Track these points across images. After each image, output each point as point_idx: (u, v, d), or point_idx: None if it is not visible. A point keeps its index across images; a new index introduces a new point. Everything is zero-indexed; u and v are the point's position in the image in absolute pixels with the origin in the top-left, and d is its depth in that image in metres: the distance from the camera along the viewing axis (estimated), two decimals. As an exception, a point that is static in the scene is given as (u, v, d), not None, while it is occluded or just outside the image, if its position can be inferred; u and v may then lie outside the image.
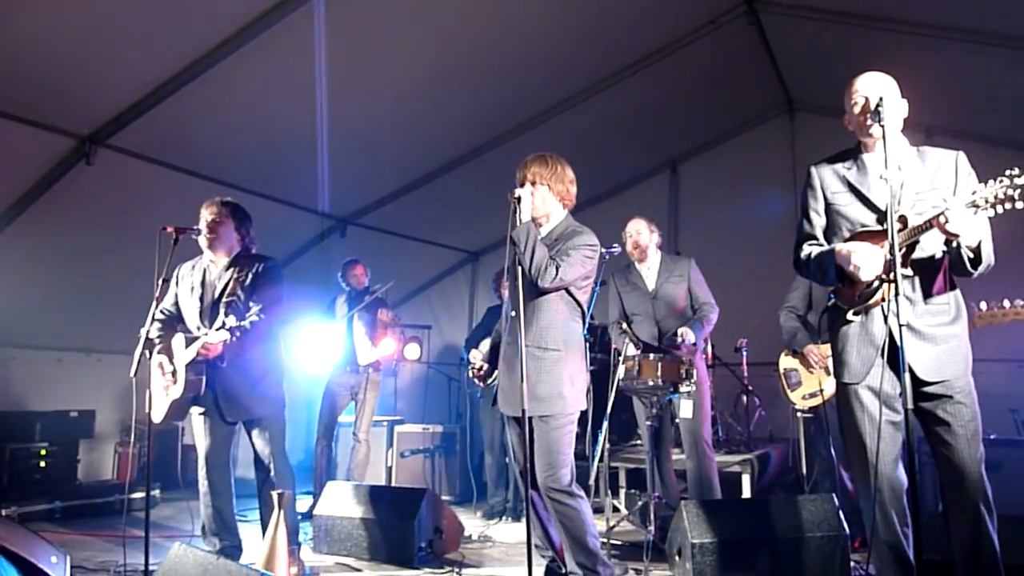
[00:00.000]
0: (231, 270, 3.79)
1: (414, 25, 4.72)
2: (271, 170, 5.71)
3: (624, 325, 4.56)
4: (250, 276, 3.76)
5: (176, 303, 3.89)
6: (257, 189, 5.75)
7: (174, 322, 3.85)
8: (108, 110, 4.64)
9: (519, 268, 3.08)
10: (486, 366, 4.78)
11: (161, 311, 3.87)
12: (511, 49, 5.22)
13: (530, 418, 3.09)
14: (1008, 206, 2.29)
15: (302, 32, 4.41)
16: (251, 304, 3.60)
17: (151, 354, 3.60)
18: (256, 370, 3.76)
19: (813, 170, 2.89)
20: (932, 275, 2.64)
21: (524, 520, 5.23)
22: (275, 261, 3.92)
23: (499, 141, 6.27)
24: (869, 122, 2.66)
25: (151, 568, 3.11)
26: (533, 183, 3.25)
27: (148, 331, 3.44)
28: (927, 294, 2.65)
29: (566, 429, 3.18)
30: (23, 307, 5.45)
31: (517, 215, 3.15)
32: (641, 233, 4.63)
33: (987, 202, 2.32)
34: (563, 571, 3.31)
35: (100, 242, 5.35)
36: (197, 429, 3.80)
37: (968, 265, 2.52)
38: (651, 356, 4.14)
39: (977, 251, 2.49)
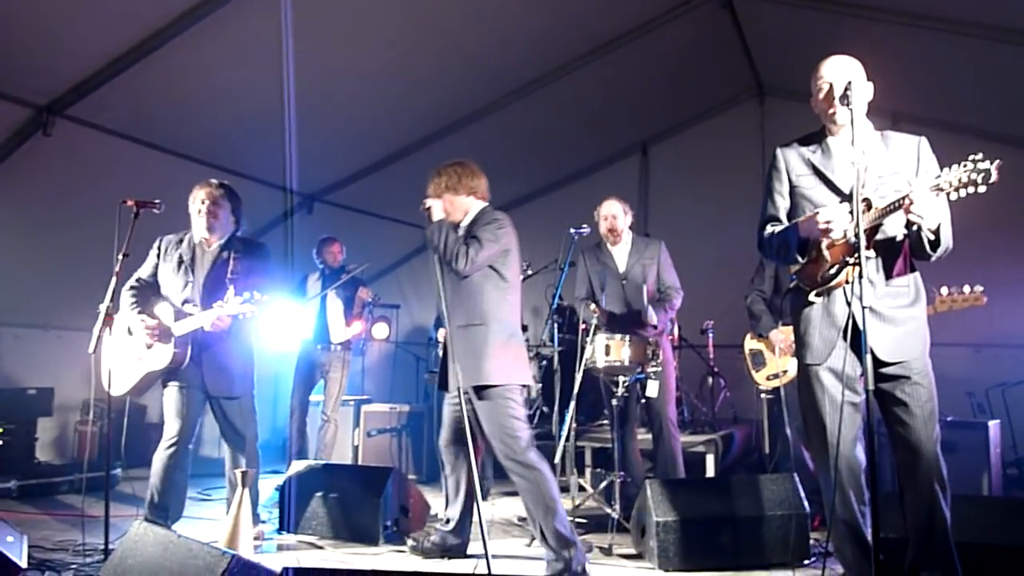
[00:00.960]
0: (227, 252, 3.87)
1: (384, 2, 4.65)
2: (236, 144, 5.61)
3: (592, 304, 4.56)
4: (250, 262, 3.89)
5: (154, 274, 3.91)
6: (221, 164, 5.64)
7: (148, 292, 3.87)
8: (67, 80, 4.51)
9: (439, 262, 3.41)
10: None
11: (137, 280, 3.92)
12: (482, 27, 5.17)
13: (474, 395, 3.33)
14: (971, 190, 2.32)
15: (269, 3, 4.32)
16: (254, 285, 3.68)
17: (111, 330, 3.52)
18: (242, 348, 3.91)
19: (779, 152, 2.91)
20: (893, 257, 2.69)
21: (491, 498, 5.27)
22: (268, 248, 4.09)
23: (470, 120, 6.23)
24: (833, 109, 2.69)
25: (111, 546, 3.07)
26: (437, 196, 3.55)
27: (107, 307, 3.37)
28: (888, 276, 2.69)
29: (507, 400, 3.33)
30: (-22, 282, 5.31)
31: (430, 216, 3.48)
32: (617, 217, 4.61)
33: (951, 185, 2.36)
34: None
35: (58, 215, 5.22)
36: (171, 403, 3.79)
37: (928, 248, 2.57)
38: (618, 336, 4.16)
39: (937, 234, 2.53)
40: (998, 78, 5.54)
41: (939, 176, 2.40)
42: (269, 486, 5.02)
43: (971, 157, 2.33)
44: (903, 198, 2.45)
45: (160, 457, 3.75)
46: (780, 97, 7.27)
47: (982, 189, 2.31)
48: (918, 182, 2.51)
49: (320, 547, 3.96)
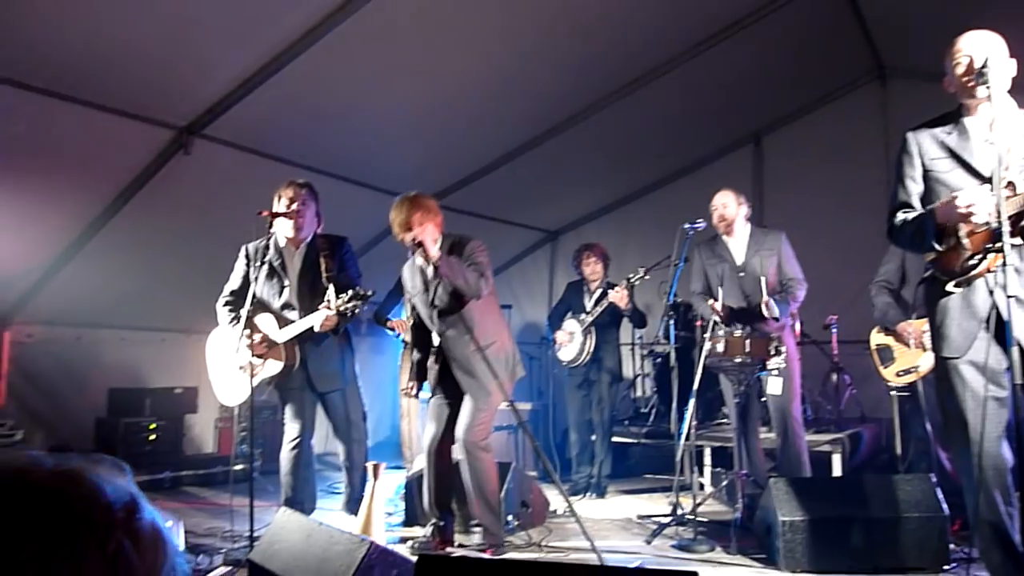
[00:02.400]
0: (314, 250, 3.95)
1: (494, 5, 4.75)
2: (355, 155, 5.85)
3: (708, 298, 4.47)
4: (339, 256, 3.97)
5: (245, 284, 3.96)
6: (343, 174, 5.91)
7: (239, 303, 3.88)
8: (203, 102, 4.83)
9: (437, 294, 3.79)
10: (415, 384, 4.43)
11: (230, 294, 4.07)
12: (591, 24, 5.18)
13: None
14: None
15: (383, 18, 4.49)
16: (350, 280, 3.83)
17: (252, 333, 3.77)
18: (340, 341, 4.00)
19: (910, 135, 2.78)
20: None
21: (607, 496, 5.29)
22: (348, 239, 4.15)
23: (578, 118, 6.24)
24: (972, 83, 2.53)
25: (255, 533, 3.29)
26: (420, 224, 3.64)
27: (248, 311, 3.61)
28: None
29: (490, 402, 3.86)
30: (131, 291, 5.78)
31: (425, 256, 3.63)
32: (727, 206, 4.50)
33: None
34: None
35: (199, 227, 5.61)
36: (289, 408, 4.00)
37: None
38: (738, 332, 4.07)
39: None
40: None
41: None
42: (392, 481, 5.22)
43: None
44: None
45: (287, 456, 3.97)
46: (904, 77, 6.89)
47: None
48: None
49: (446, 540, 4.09)
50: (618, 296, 5.13)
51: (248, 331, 3.70)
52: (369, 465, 3.38)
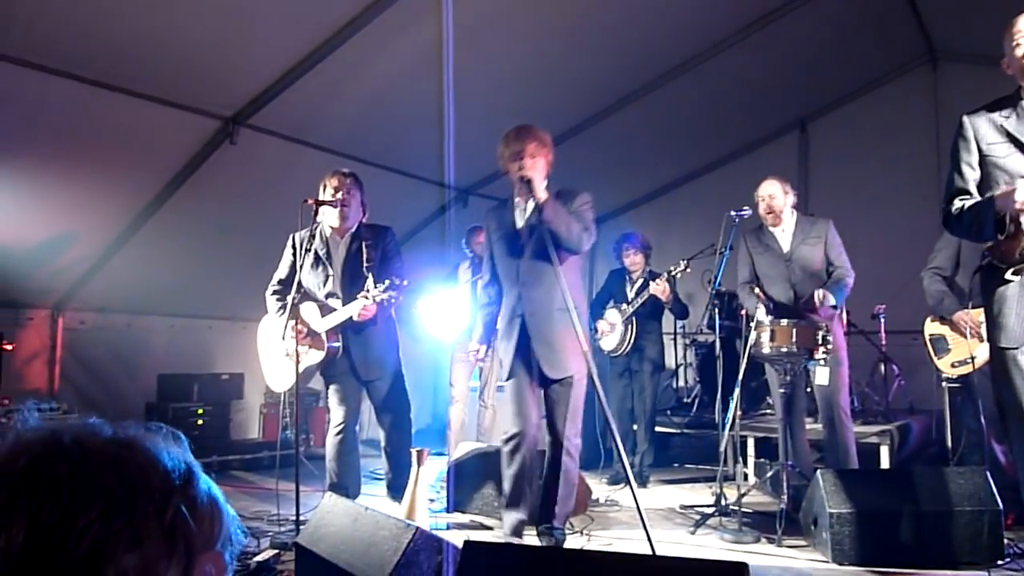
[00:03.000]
0: (358, 240, 3.97)
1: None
2: (397, 143, 5.88)
3: (755, 288, 4.41)
4: (382, 247, 3.99)
5: (292, 273, 3.93)
6: (383, 163, 5.95)
7: (287, 291, 3.92)
8: (248, 92, 4.89)
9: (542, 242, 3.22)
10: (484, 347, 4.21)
11: (278, 282, 4.11)
12: (634, 9, 5.12)
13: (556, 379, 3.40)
14: None
15: (424, 5, 4.49)
16: (390, 270, 3.82)
17: (298, 320, 3.81)
18: (385, 329, 4.03)
19: (966, 119, 2.69)
20: None
21: (649, 486, 5.26)
22: (391, 229, 4.15)
23: (620, 105, 6.19)
24: None
25: (302, 517, 3.35)
26: (533, 156, 3.30)
27: (294, 298, 3.66)
28: None
29: (580, 387, 3.46)
30: (179, 279, 5.90)
31: (534, 191, 3.25)
32: (775, 197, 4.39)
33: None
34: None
35: (244, 216, 5.70)
36: (333, 393, 4.05)
37: None
38: (784, 322, 4.00)
39: None
40: None
41: None
42: (436, 467, 5.27)
43: None
44: None
45: (331, 443, 4.02)
46: (956, 61, 6.70)
47: None
48: None
49: (489, 527, 4.12)
50: (659, 289, 5.10)
51: (294, 320, 3.75)
52: (414, 451, 3.41)
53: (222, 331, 6.55)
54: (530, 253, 3.35)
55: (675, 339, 7.07)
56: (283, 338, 3.75)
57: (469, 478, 4.40)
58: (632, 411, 5.52)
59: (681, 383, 7.22)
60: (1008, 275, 2.55)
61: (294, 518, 3.49)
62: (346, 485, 3.95)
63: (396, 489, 3.93)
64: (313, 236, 3.99)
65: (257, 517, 4.17)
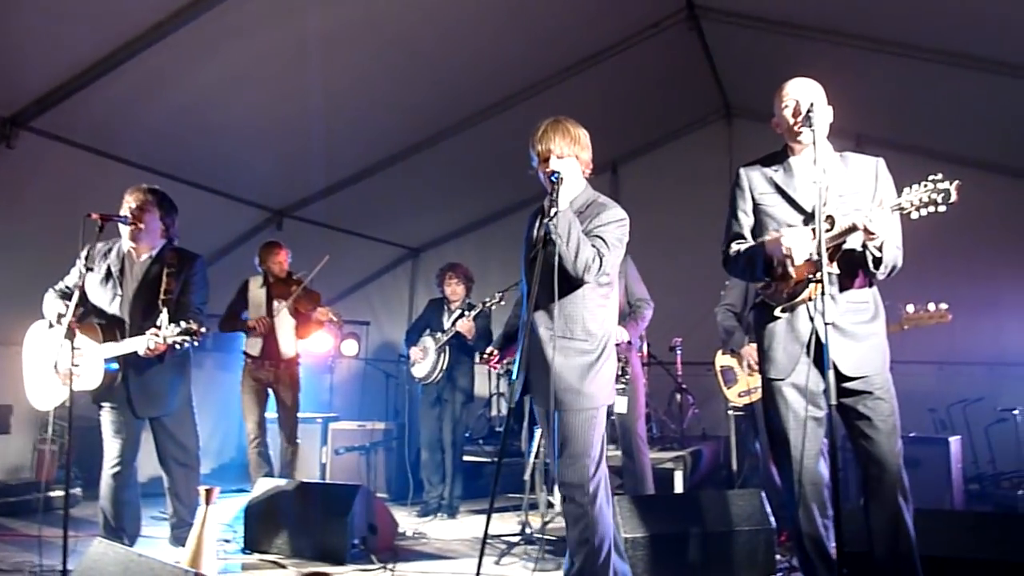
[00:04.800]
0: (159, 265, 3.69)
1: (357, 17, 4.67)
2: (206, 160, 5.54)
3: None
4: (186, 276, 3.72)
5: (80, 284, 3.57)
6: (190, 178, 5.57)
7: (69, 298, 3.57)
8: (31, 92, 4.43)
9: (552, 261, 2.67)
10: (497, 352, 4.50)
11: (65, 287, 3.74)
12: (452, 45, 5.21)
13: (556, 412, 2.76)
14: (931, 209, 2.40)
15: (237, 18, 4.30)
16: (189, 305, 3.59)
17: (73, 341, 3.44)
18: (171, 364, 3.70)
19: (742, 171, 2.97)
20: (854, 273, 2.74)
21: (458, 516, 5.24)
22: (202, 259, 3.88)
23: (439, 137, 6.24)
24: (799, 128, 2.74)
25: (69, 568, 2.99)
26: (560, 157, 2.85)
27: (70, 320, 3.30)
28: (849, 289, 2.73)
29: (595, 421, 2.81)
30: (-64, 296, 5.18)
31: (556, 196, 2.74)
32: None
33: (912, 205, 2.43)
34: None
35: (21, 229, 5.10)
36: (107, 424, 3.70)
37: (871, 266, 2.64)
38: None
39: (881, 251, 2.59)
40: (957, 102, 5.73)
41: (903, 195, 2.47)
42: (235, 505, 4.94)
43: (931, 177, 2.41)
44: (861, 218, 2.51)
45: (106, 480, 3.67)
46: (747, 118, 7.40)
47: (942, 209, 2.39)
48: (874, 204, 2.58)
49: (284, 566, 3.90)
50: (465, 327, 5.17)
51: (70, 337, 3.37)
52: (201, 489, 3.16)
53: (-12, 357, 5.80)
54: (541, 268, 2.73)
55: (489, 369, 7.16)
56: (56, 354, 3.35)
57: (268, 517, 4.17)
58: (441, 441, 5.50)
59: (494, 412, 7.30)
60: (777, 312, 2.81)
61: (60, 569, 3.12)
62: (122, 528, 3.61)
63: (181, 534, 3.63)
64: (110, 251, 3.70)
65: (17, 569, 3.69)
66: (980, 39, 4.88)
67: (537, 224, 2.94)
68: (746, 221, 2.93)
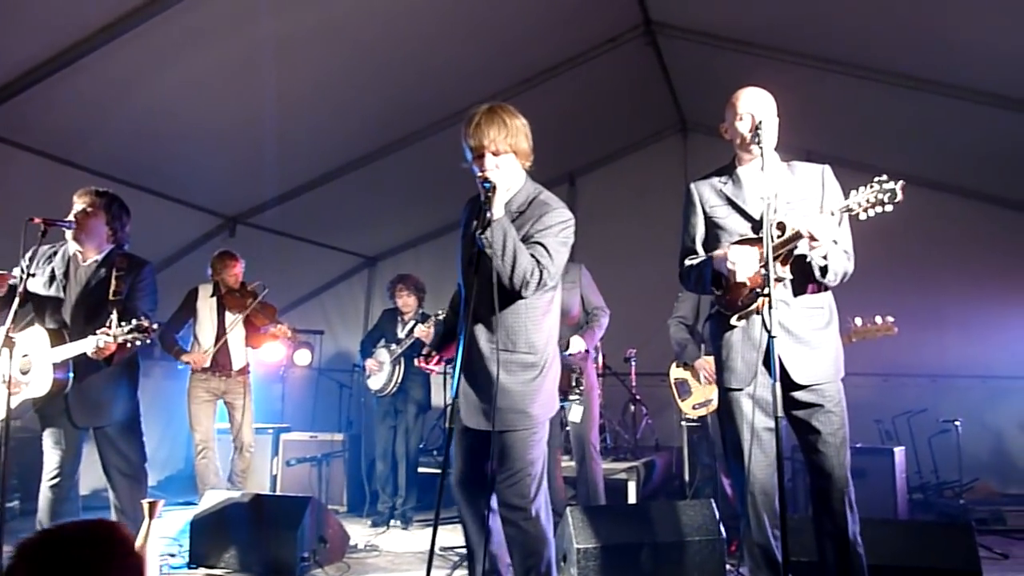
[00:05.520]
0: (105, 268, 3.59)
1: (314, 23, 4.62)
2: (156, 164, 5.42)
3: None
4: (133, 281, 3.60)
5: (22, 290, 3.43)
6: (139, 183, 5.44)
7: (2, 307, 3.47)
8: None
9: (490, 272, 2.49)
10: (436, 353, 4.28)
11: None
12: (411, 55, 5.18)
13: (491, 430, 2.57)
14: (879, 210, 2.47)
15: (193, 19, 4.23)
16: (136, 310, 3.44)
17: (11, 353, 3.32)
18: (115, 373, 3.58)
19: (692, 187, 3.03)
20: (807, 278, 2.78)
21: (412, 528, 5.19)
22: (152, 266, 3.77)
23: (397, 146, 6.20)
24: (750, 141, 2.79)
25: (2, 584, 2.87)
26: (496, 153, 2.59)
27: (8, 328, 3.19)
28: (803, 295, 2.79)
29: (536, 436, 2.66)
30: None
31: (488, 206, 2.51)
32: None
33: (860, 206, 2.49)
34: None
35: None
36: (48, 435, 3.55)
37: (819, 274, 2.70)
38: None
39: (827, 259, 2.67)
40: (904, 122, 5.90)
41: (851, 197, 2.54)
42: (182, 518, 4.81)
43: (876, 179, 2.48)
44: (805, 225, 2.57)
45: (44, 493, 3.52)
46: (702, 133, 7.52)
47: (889, 208, 2.46)
48: (823, 209, 2.65)
49: (231, 581, 3.81)
50: (424, 333, 5.14)
51: (9, 346, 3.26)
52: (144, 503, 3.06)
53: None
54: (478, 279, 2.53)
55: (445, 379, 7.12)
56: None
57: (217, 529, 4.07)
58: (395, 452, 5.44)
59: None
60: (733, 320, 2.84)
61: (-7, 584, 2.99)
62: None
63: None
64: (55, 254, 3.60)
65: (-54, 587, 3.52)
66: (928, 62, 5.05)
67: (474, 224, 2.59)
68: (698, 235, 2.98)
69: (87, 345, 3.30)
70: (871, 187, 2.48)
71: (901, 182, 2.43)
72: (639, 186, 7.65)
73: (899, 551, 3.38)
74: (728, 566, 3.68)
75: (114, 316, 3.28)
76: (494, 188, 2.51)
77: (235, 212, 6.49)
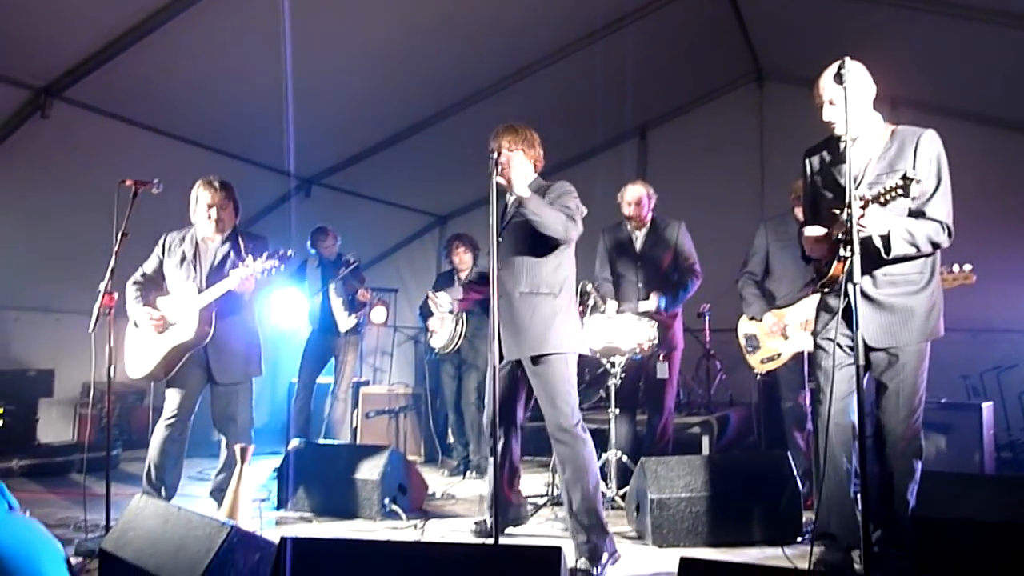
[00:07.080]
0: (229, 245, 3.89)
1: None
2: (235, 127, 5.61)
3: (602, 284, 4.64)
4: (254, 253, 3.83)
5: (158, 270, 3.93)
6: (219, 146, 5.65)
7: (151, 288, 3.90)
8: (64, 61, 4.50)
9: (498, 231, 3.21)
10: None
11: (141, 275, 3.94)
12: (482, 5, 5.16)
13: (530, 363, 3.31)
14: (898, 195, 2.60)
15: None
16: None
17: (111, 312, 3.53)
18: (247, 332, 3.93)
19: (806, 158, 3.21)
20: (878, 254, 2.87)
21: (486, 477, 5.31)
22: (269, 241, 4.02)
23: (469, 101, 6.21)
24: (830, 122, 2.93)
25: (112, 523, 3.11)
26: (511, 150, 3.45)
27: (106, 286, 3.39)
28: (888, 265, 2.89)
29: (567, 366, 3.33)
30: (-21, 265, 5.33)
31: (511, 189, 3.36)
32: (643, 204, 4.73)
33: (883, 196, 2.63)
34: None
35: (57, 197, 5.23)
36: (174, 382, 3.81)
37: (883, 252, 2.81)
38: (625, 317, 4.23)
39: (887, 241, 2.79)
40: (998, 62, 5.54)
41: (875, 189, 2.71)
42: (269, 467, 5.06)
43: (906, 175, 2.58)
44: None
45: (159, 431, 3.78)
46: (779, 80, 7.24)
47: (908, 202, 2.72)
48: (859, 207, 2.69)
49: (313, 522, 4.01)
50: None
51: (149, 311, 3.72)
52: (237, 448, 3.25)
53: (31, 323, 5.98)
54: (508, 240, 3.46)
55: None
56: (93, 328, 3.45)
57: (300, 475, 4.28)
58: (459, 405, 5.57)
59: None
60: (819, 285, 3.08)
61: (104, 523, 3.24)
62: (162, 479, 3.74)
63: (222, 492, 3.75)
64: (184, 238, 3.93)
65: (63, 524, 3.84)
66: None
67: (506, 205, 3.55)
68: (809, 203, 3.20)
69: (231, 281, 3.60)
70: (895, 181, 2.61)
71: (914, 181, 2.53)
72: (713, 137, 7.46)
73: (982, 506, 3.28)
74: (804, 519, 3.65)
75: (249, 258, 3.60)
76: (508, 181, 3.34)
77: (311, 174, 6.65)
